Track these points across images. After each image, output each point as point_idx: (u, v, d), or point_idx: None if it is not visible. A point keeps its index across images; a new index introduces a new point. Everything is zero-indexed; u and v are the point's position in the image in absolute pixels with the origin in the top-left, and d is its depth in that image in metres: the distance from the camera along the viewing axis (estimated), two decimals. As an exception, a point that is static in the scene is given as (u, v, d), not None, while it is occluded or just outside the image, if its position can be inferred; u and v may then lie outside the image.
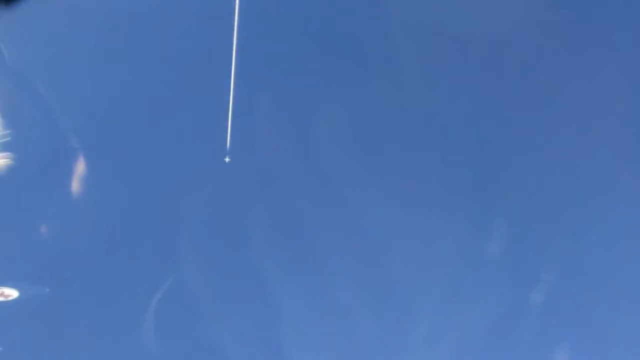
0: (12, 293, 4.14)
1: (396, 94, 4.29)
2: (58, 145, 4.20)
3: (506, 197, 4.38)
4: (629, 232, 4.31)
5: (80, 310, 4.29)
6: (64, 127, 4.19)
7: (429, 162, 4.36)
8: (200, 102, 4.26)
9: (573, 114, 4.31)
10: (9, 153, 4.09)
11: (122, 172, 4.33)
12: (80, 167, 4.15)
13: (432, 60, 4.27)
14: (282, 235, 4.36)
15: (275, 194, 4.34)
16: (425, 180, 4.37)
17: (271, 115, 4.30)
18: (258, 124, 4.29)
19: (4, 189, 4.19)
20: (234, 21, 3.94)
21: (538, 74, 4.30)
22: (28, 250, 4.24)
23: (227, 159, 4.19)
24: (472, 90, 4.31)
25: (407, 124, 4.34)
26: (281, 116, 4.31)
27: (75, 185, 4.16)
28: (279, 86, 4.32)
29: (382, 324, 4.41)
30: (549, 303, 4.31)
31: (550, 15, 4.23)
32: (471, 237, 4.42)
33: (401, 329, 4.41)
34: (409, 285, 4.39)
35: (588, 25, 4.26)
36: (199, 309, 4.36)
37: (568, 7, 4.26)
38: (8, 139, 4.10)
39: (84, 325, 4.31)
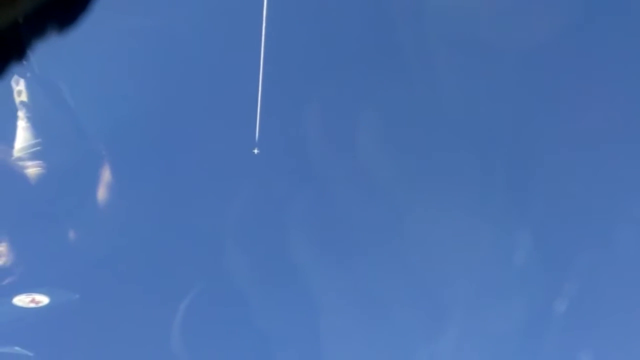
0: (43, 299, 4.18)
1: (427, 94, 4.28)
2: (87, 152, 4.25)
3: (535, 202, 4.35)
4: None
5: (110, 317, 4.32)
6: (92, 134, 4.24)
7: (461, 164, 4.35)
8: (229, 94, 4.27)
9: (607, 125, 4.27)
10: (39, 161, 4.15)
11: (151, 170, 4.37)
12: (109, 173, 4.20)
13: (464, 66, 4.25)
14: (312, 228, 4.35)
15: (305, 186, 4.35)
16: (453, 183, 4.37)
17: (300, 107, 4.31)
18: (287, 116, 4.31)
19: (34, 197, 4.25)
20: (262, 14, 3.96)
21: (575, 84, 4.27)
22: (58, 257, 4.29)
23: (255, 151, 4.20)
24: (506, 98, 4.30)
25: (438, 122, 4.33)
26: (310, 108, 4.30)
27: (104, 192, 4.20)
28: (308, 77, 4.34)
29: (412, 324, 4.39)
30: (573, 309, 4.26)
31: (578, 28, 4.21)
32: (498, 242, 4.40)
33: (428, 332, 4.39)
34: (439, 287, 4.38)
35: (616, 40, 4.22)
36: (232, 308, 4.37)
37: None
38: (39, 148, 4.15)
39: (114, 331, 4.34)
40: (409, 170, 4.42)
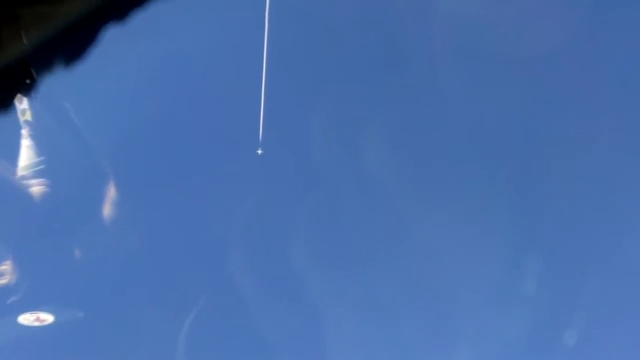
0: (48, 318, 4.17)
1: (431, 96, 4.27)
2: (91, 170, 4.25)
3: (541, 211, 4.35)
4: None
5: (115, 334, 4.31)
6: (96, 152, 4.25)
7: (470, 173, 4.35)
8: (233, 96, 4.28)
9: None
10: (43, 179, 4.15)
11: (155, 181, 4.38)
12: (113, 190, 4.20)
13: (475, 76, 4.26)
14: (316, 229, 4.36)
15: (308, 187, 4.35)
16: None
17: (303, 107, 4.34)
18: (290, 117, 4.33)
19: (38, 215, 4.24)
20: (265, 16, 3.97)
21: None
22: (63, 275, 4.29)
23: (259, 152, 4.20)
24: (511, 105, 4.30)
25: (443, 125, 4.32)
26: (313, 109, 4.32)
27: (108, 210, 4.20)
28: (311, 78, 4.36)
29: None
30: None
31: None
32: (503, 252, 4.38)
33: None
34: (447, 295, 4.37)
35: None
36: (237, 317, 4.36)
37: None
38: (42, 166, 4.15)
39: (119, 349, 4.33)
40: (412, 172, 4.41)
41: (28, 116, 4.07)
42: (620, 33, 4.21)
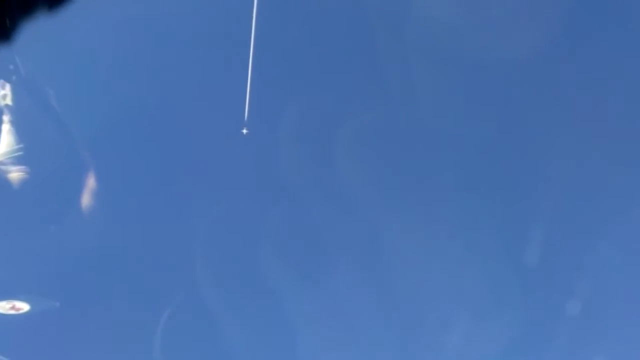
0: (23, 306, 4.14)
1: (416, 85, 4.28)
2: (71, 157, 4.21)
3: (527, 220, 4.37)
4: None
5: (90, 324, 4.28)
6: (77, 138, 4.21)
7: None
8: (218, 74, 4.25)
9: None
10: (22, 166, 4.11)
11: (137, 169, 4.34)
12: (93, 178, 4.17)
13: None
14: (297, 209, 4.34)
15: (292, 167, 4.33)
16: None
17: (289, 87, 4.31)
18: (276, 96, 4.29)
19: (16, 202, 4.20)
20: None
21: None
22: (39, 264, 4.25)
23: (244, 131, 4.18)
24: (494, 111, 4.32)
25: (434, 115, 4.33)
26: (299, 88, 4.32)
27: (88, 198, 4.17)
28: (297, 58, 4.32)
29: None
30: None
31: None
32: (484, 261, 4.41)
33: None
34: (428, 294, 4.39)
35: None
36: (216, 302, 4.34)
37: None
38: (21, 153, 4.11)
39: (94, 338, 4.30)
40: (399, 161, 4.41)
41: (9, 101, 4.03)
42: (611, 38, 4.25)
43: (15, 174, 4.09)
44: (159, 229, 4.34)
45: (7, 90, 4.03)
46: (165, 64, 4.21)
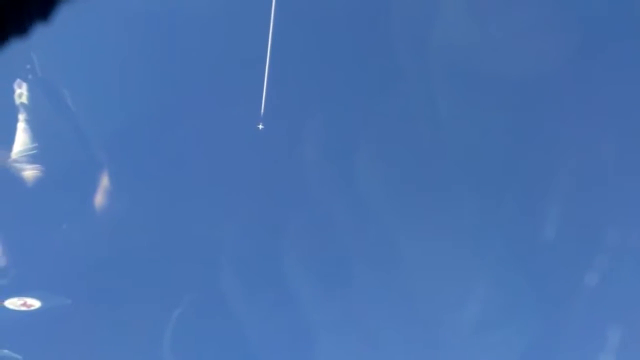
0: (35, 303, 4.16)
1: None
2: (86, 157, 4.24)
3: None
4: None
5: (101, 322, 4.30)
6: (92, 139, 4.24)
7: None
8: (236, 69, 4.26)
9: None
10: (37, 164, 4.15)
11: (152, 169, 4.35)
12: (107, 179, 4.19)
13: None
14: (313, 204, 4.34)
15: (308, 164, 4.33)
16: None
17: (306, 84, 4.31)
18: (293, 92, 4.29)
19: (30, 200, 4.24)
20: None
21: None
22: (52, 261, 4.28)
23: (260, 126, 4.19)
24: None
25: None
26: (316, 84, 4.31)
27: (101, 197, 4.19)
28: (314, 54, 4.32)
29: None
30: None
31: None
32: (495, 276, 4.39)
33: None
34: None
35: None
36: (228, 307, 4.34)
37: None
38: (35, 151, 4.15)
39: (104, 336, 4.32)
40: (415, 158, 4.39)
41: (25, 100, 4.08)
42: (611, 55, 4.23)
43: (30, 172, 4.12)
44: (173, 227, 4.36)
45: (23, 89, 4.07)
46: (183, 61, 4.23)
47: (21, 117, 4.11)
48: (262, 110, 4.12)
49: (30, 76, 4.06)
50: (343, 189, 4.27)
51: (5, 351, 4.11)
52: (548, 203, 4.25)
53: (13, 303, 4.13)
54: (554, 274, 4.33)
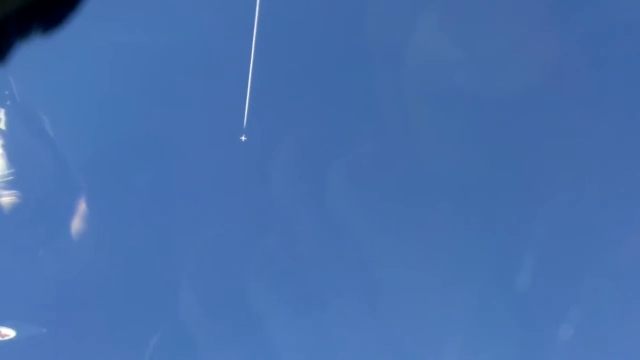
0: (9, 333, 4.08)
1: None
2: (64, 184, 4.20)
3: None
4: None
5: (78, 351, 4.23)
6: (71, 166, 4.20)
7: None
8: (218, 79, 4.21)
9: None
10: (13, 191, 4.09)
11: (131, 195, 4.29)
12: (85, 206, 4.15)
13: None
14: (296, 217, 4.26)
15: (292, 177, 4.26)
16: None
17: (291, 94, 4.25)
18: (277, 103, 4.24)
19: (6, 227, 4.18)
20: (256, 2, 3.95)
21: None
22: (28, 290, 4.20)
23: (243, 138, 4.13)
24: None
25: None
26: (302, 95, 4.26)
27: (79, 225, 4.14)
28: (300, 64, 4.28)
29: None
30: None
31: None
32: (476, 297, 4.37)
33: None
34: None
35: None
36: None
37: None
38: (11, 178, 4.11)
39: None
40: (400, 176, 4.37)
41: (3, 125, 4.04)
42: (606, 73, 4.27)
43: (6, 198, 4.07)
44: (152, 253, 4.30)
45: (1, 114, 4.04)
46: (161, 77, 4.20)
47: (-1, 143, 4.08)
48: (245, 122, 4.09)
49: (8, 102, 4.04)
50: (328, 205, 4.24)
51: (-21, 383, 4.02)
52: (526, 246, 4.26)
53: (-13, 333, 4.05)
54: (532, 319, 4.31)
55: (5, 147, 4.07)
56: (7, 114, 4.05)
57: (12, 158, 4.10)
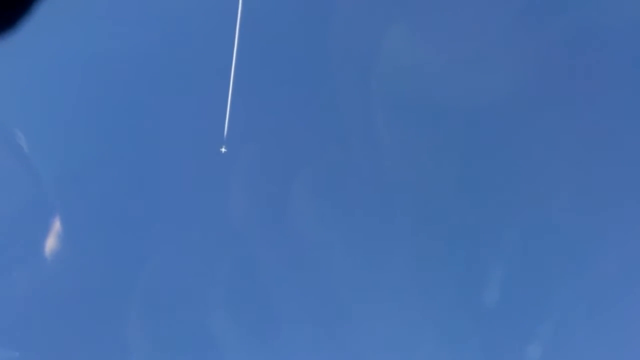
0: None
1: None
2: (38, 200, 4.08)
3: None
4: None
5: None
6: (44, 181, 4.09)
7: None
8: (198, 90, 4.15)
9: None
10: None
11: (107, 209, 4.19)
12: (59, 223, 4.04)
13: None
14: (278, 228, 4.19)
15: (273, 185, 4.20)
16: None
17: (272, 103, 4.21)
18: (258, 113, 4.19)
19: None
20: (237, 8, 3.93)
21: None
22: (0, 312, 4.08)
23: (223, 149, 4.07)
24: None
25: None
26: (283, 104, 4.22)
27: (53, 242, 4.04)
28: (279, 75, 4.23)
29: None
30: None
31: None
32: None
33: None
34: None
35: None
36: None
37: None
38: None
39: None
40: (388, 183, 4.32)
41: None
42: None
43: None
44: (129, 270, 4.20)
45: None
46: (139, 86, 4.13)
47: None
48: (226, 132, 4.03)
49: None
50: (312, 215, 4.18)
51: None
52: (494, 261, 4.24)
53: (-42, 358, 3.93)
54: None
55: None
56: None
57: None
